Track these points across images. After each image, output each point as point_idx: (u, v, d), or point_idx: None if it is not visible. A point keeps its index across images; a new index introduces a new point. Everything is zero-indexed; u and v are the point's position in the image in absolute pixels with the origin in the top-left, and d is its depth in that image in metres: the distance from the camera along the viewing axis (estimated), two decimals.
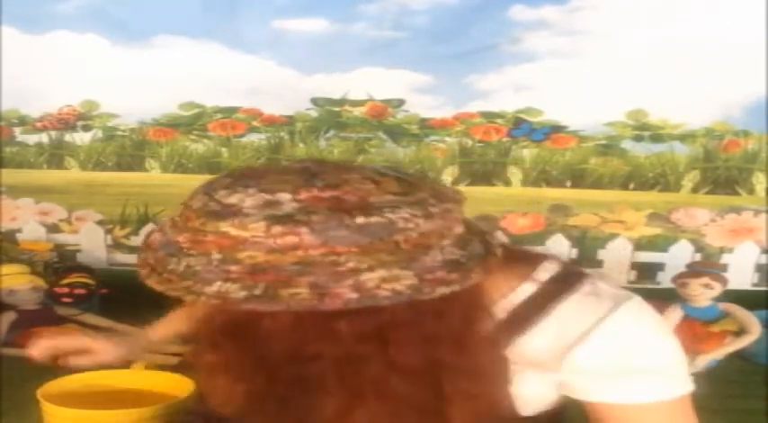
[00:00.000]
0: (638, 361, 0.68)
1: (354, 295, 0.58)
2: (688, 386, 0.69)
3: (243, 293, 0.58)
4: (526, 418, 0.73)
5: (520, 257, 0.75)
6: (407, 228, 0.60)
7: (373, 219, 0.59)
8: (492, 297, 0.70)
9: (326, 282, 0.58)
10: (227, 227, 0.60)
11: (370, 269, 0.59)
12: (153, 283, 0.64)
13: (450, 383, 0.65)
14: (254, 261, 0.59)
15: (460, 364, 0.65)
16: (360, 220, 0.59)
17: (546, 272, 0.73)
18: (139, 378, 1.21)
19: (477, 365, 0.66)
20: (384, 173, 0.64)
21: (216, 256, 0.60)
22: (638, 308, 0.70)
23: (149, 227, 2.29)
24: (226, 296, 0.59)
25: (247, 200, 0.60)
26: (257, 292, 0.58)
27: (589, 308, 0.69)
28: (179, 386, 1.11)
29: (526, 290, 0.71)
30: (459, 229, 0.65)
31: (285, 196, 0.61)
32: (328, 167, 0.64)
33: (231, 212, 0.60)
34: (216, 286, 0.59)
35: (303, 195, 0.61)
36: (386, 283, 0.59)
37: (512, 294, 0.71)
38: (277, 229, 0.58)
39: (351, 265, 0.58)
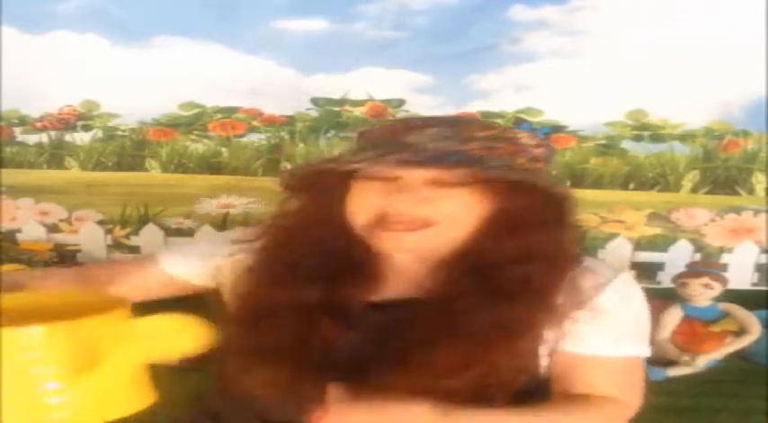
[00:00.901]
0: (627, 320, 0.84)
1: None
2: (648, 350, 0.86)
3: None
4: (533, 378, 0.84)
5: None
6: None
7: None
8: None
9: None
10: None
11: None
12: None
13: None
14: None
15: None
16: None
17: None
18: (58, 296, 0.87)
19: None
20: None
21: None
22: (630, 279, 0.88)
23: (149, 227, 2.29)
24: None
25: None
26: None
27: (597, 271, 0.85)
28: (107, 306, 0.79)
29: None
30: None
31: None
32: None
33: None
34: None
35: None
36: None
37: None
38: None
39: None
